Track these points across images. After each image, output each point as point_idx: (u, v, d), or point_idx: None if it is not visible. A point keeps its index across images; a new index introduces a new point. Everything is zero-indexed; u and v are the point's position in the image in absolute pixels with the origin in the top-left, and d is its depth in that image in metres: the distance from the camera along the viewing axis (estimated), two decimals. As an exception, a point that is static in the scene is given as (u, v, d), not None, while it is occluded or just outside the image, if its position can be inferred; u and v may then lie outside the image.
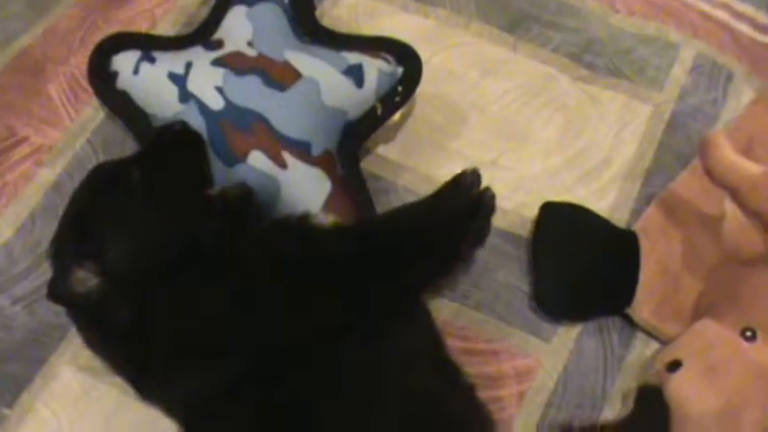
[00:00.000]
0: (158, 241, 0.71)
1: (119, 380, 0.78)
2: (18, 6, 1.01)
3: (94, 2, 1.01)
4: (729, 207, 0.80)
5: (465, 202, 0.77)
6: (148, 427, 0.79)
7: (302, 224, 0.77)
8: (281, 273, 0.71)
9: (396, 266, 0.74)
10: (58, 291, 0.69)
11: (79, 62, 0.96)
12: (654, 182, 0.93)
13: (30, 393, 0.81)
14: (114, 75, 0.89)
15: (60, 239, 0.73)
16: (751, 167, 0.76)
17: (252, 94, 0.84)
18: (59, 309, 0.82)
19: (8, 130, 0.93)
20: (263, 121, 0.83)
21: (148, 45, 0.90)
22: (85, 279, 0.68)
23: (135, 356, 0.71)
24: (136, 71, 0.87)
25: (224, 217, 0.75)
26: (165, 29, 0.99)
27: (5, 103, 0.95)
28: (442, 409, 0.70)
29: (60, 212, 0.79)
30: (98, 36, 0.94)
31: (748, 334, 0.76)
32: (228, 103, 0.84)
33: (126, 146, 0.91)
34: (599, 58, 0.99)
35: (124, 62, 0.88)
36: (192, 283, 0.70)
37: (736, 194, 0.77)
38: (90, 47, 0.91)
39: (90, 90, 0.92)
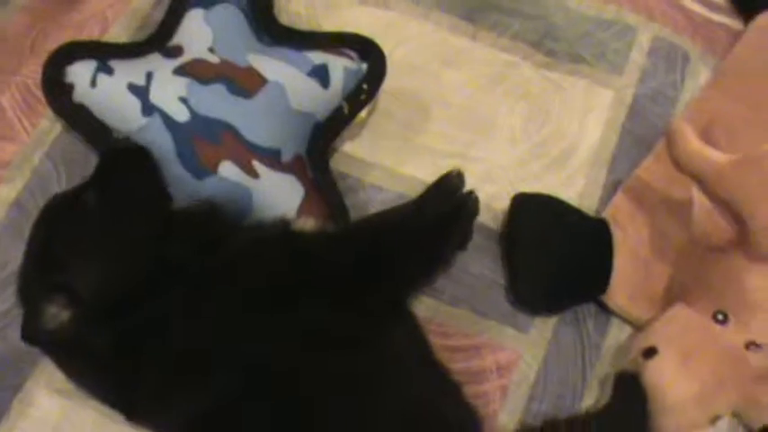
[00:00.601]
0: (124, 262, 0.70)
1: (98, 403, 0.77)
2: (-40, 12, 0.97)
3: (42, 6, 0.98)
4: (696, 195, 0.82)
5: (449, 205, 0.77)
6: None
7: (286, 230, 0.77)
8: (266, 281, 0.71)
9: (382, 270, 0.74)
10: (32, 331, 0.68)
11: (31, 71, 0.92)
12: (619, 167, 0.94)
13: (8, 422, 0.80)
14: (70, 87, 0.85)
15: (25, 278, 0.72)
16: (716, 156, 0.77)
17: (218, 103, 0.83)
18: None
19: (-40, 146, 0.90)
20: (231, 130, 0.82)
21: (104, 53, 0.88)
22: (58, 314, 0.67)
23: (121, 382, 0.70)
24: (93, 83, 0.84)
25: (191, 232, 0.74)
26: (118, 32, 0.95)
27: (-44, 119, 0.92)
28: (435, 413, 0.71)
29: (24, 231, 0.77)
30: (49, 42, 0.91)
31: (720, 317, 0.78)
32: (194, 114, 0.82)
33: (89, 159, 0.88)
34: (559, 44, 1.00)
35: (80, 73, 0.85)
36: (170, 299, 0.69)
37: (703, 183, 0.78)
38: (41, 54, 0.88)
39: (45, 101, 0.89)
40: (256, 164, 0.82)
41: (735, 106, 0.95)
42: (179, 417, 0.70)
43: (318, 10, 1.00)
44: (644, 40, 1.01)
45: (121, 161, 0.77)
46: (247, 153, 0.82)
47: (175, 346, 0.69)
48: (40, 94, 0.89)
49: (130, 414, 0.72)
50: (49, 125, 0.91)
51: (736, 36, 1.02)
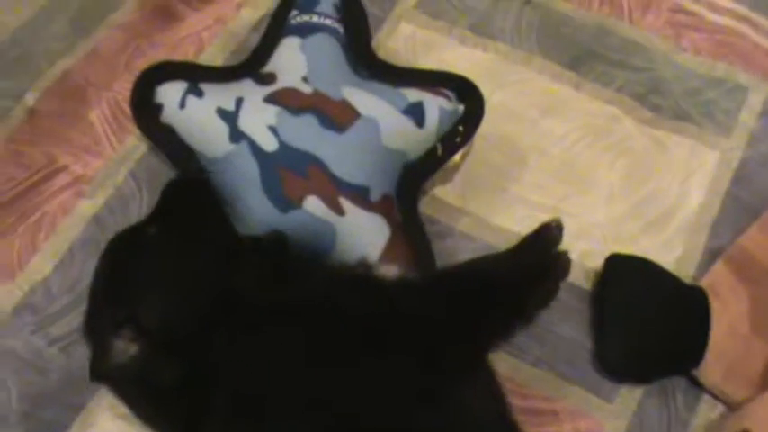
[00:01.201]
0: (188, 294, 0.69)
1: None
2: (60, 26, 0.98)
3: (139, 24, 0.98)
4: None
5: (545, 257, 0.74)
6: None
7: (367, 274, 0.74)
8: (340, 326, 0.68)
9: (463, 322, 0.71)
10: (101, 367, 0.67)
11: (123, 88, 0.92)
12: (721, 234, 0.89)
13: (67, 441, 0.78)
14: (159, 107, 0.85)
15: (92, 315, 0.71)
16: None
17: (308, 135, 0.81)
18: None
19: (47, 157, 0.90)
20: (319, 164, 0.80)
21: (195, 75, 0.87)
22: (126, 348, 0.66)
23: (186, 418, 0.68)
24: (182, 105, 0.84)
25: (259, 264, 0.72)
26: (213, 55, 0.96)
27: (45, 130, 0.92)
28: None
29: (101, 247, 0.77)
30: (143, 61, 0.92)
31: (830, 401, 0.73)
32: (283, 144, 0.80)
33: (172, 176, 0.87)
34: (665, 100, 0.96)
35: (170, 94, 0.85)
36: (234, 335, 0.67)
37: None
38: (134, 72, 0.88)
39: (134, 118, 0.89)
40: (343, 200, 0.79)
41: None
42: None
43: (418, 48, 0.98)
44: (756, 101, 0.97)
45: (182, 194, 0.76)
46: (334, 189, 0.80)
47: (235, 387, 0.67)
48: (129, 111, 0.89)
49: None
50: (136, 143, 0.91)
51: None
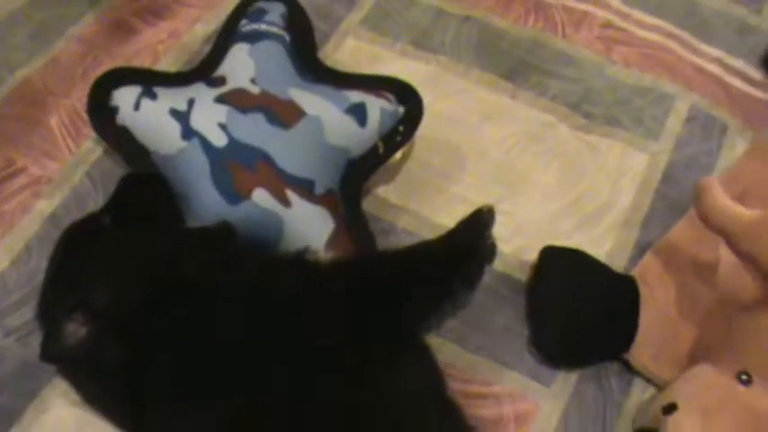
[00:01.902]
0: (137, 279, 0.71)
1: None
2: (21, 38, 1.01)
3: (97, 37, 1.02)
4: (724, 252, 0.81)
5: (473, 239, 0.77)
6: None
7: (298, 257, 0.77)
8: (273, 305, 0.71)
9: (389, 299, 0.74)
10: (51, 350, 0.69)
11: (81, 96, 0.95)
12: (651, 230, 0.94)
13: (20, 427, 0.79)
14: (114, 110, 0.88)
15: (44, 300, 0.73)
16: (744, 212, 0.76)
17: (256, 131, 0.85)
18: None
19: (6, 160, 0.93)
20: (267, 158, 0.84)
21: (149, 80, 0.91)
22: (76, 331, 0.68)
23: (130, 399, 0.70)
24: (137, 107, 0.87)
25: (205, 252, 0.75)
26: (167, 66, 1.00)
27: (5, 134, 0.95)
28: None
29: None
30: (99, 70, 0.94)
31: (744, 377, 0.76)
32: (232, 140, 0.84)
33: (126, 179, 0.91)
34: (596, 108, 1.01)
35: (125, 97, 0.88)
36: (180, 318, 0.70)
37: (729, 239, 0.78)
38: (91, 81, 0.91)
39: (91, 123, 0.92)
40: (289, 193, 0.83)
41: (770, 178, 0.95)
42: None
43: (362, 60, 1.03)
44: (682, 108, 1.02)
45: (136, 187, 0.80)
46: (281, 182, 0.83)
47: (180, 368, 0.69)
48: (86, 117, 0.92)
49: None
50: (92, 146, 0.94)
51: (772, 110, 1.03)
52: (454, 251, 0.78)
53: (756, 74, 1.07)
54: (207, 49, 0.98)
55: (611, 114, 1.01)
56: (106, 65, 0.97)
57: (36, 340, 0.81)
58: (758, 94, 1.05)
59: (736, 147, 1.00)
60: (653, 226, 0.94)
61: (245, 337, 0.69)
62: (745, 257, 0.77)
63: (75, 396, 0.79)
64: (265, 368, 0.68)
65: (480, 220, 0.78)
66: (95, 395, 0.74)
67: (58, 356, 0.70)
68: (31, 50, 1.01)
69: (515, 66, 1.04)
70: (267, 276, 0.74)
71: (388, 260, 0.80)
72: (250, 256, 0.77)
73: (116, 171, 0.91)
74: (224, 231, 0.79)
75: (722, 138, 1.01)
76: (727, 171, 0.98)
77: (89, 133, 0.94)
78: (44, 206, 0.90)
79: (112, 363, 0.69)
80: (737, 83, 1.06)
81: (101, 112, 0.89)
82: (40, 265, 0.86)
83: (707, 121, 1.02)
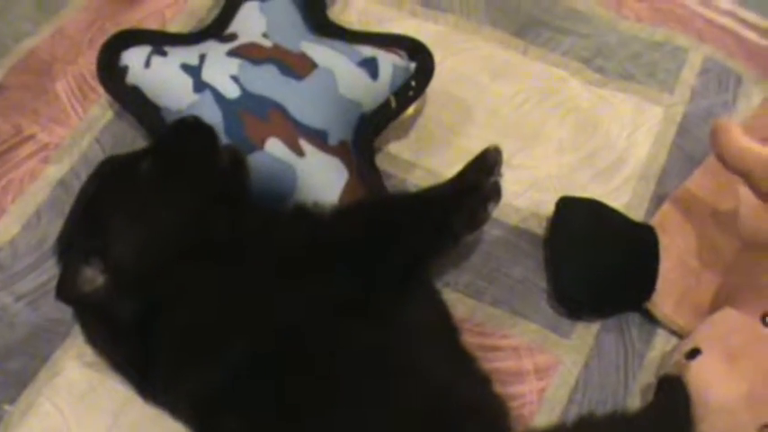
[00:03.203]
0: (163, 236, 0.70)
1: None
2: (26, 8, 1.01)
3: (103, 4, 1.02)
4: (743, 192, 0.81)
5: (482, 178, 0.76)
6: (158, 424, 0.76)
7: (300, 208, 0.77)
8: (287, 256, 0.71)
9: (389, 240, 0.74)
10: (66, 291, 0.68)
11: (88, 62, 0.95)
12: (667, 182, 0.92)
13: (33, 389, 0.79)
14: (124, 69, 0.88)
15: (67, 237, 0.72)
16: (763, 149, 0.76)
17: (268, 82, 0.84)
18: (63, 305, 0.81)
19: (14, 128, 0.93)
20: (280, 108, 0.83)
21: (158, 41, 0.90)
22: (93, 278, 0.68)
23: (139, 354, 0.70)
24: (147, 64, 0.86)
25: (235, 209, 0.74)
26: (175, 31, 0.98)
27: (12, 103, 0.94)
28: (451, 395, 0.68)
29: (67, 209, 0.79)
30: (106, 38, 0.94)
31: (768, 319, 0.75)
32: (245, 91, 0.83)
33: (136, 144, 0.90)
34: (609, 62, 1.00)
35: (134, 56, 0.87)
36: (197, 274, 0.69)
37: (749, 178, 0.77)
38: (98, 48, 0.90)
39: (98, 89, 0.92)
40: (303, 142, 0.82)
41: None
42: (188, 395, 0.69)
43: (371, 21, 1.02)
44: (695, 61, 1.01)
45: (184, 133, 0.77)
46: (294, 131, 0.82)
47: (193, 322, 0.69)
48: (94, 83, 0.93)
49: (143, 389, 0.72)
50: (100, 112, 0.94)
51: (790, 64, 1.02)
52: (457, 189, 0.77)
53: (769, 25, 1.06)
54: (213, 13, 0.97)
55: (624, 69, 1.00)
56: (112, 32, 0.96)
57: (47, 304, 0.82)
58: (774, 45, 1.04)
59: (752, 98, 0.99)
60: (669, 178, 0.93)
61: (244, 289, 0.69)
62: (765, 196, 0.76)
63: (87, 358, 0.80)
64: (277, 321, 0.68)
65: (487, 158, 0.78)
66: (101, 342, 0.73)
67: (72, 299, 0.70)
68: (36, 20, 1.00)
69: (526, 22, 1.03)
70: (268, 228, 0.74)
71: (391, 202, 0.80)
72: (264, 213, 0.76)
73: (126, 135, 0.92)
74: (234, 156, 0.77)
75: (737, 89, 0.99)
76: (745, 122, 0.96)
77: (96, 99, 0.94)
78: (53, 172, 0.90)
79: (124, 317, 0.69)
80: (751, 35, 1.04)
81: (110, 72, 0.88)
82: (49, 230, 0.86)
83: (721, 72, 1.00)
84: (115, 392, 0.79)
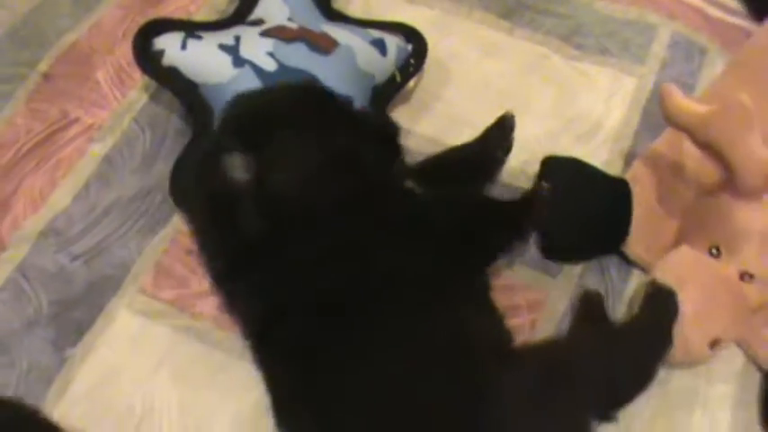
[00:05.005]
0: (323, 172, 0.75)
1: (172, 321, 0.90)
2: (64, 5, 1.13)
3: (134, 2, 1.14)
4: (687, 146, 0.93)
5: (506, 143, 0.89)
6: (201, 363, 0.88)
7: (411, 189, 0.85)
8: (395, 222, 0.79)
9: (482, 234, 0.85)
10: (211, 180, 0.73)
11: (123, 52, 1.07)
12: (639, 142, 1.04)
13: (91, 335, 0.90)
14: (159, 53, 0.97)
15: (232, 126, 0.77)
16: (698, 107, 0.87)
17: (300, 57, 0.96)
18: (115, 261, 0.94)
19: (61, 112, 1.04)
20: (313, 78, 0.94)
21: (189, 28, 1.01)
22: (240, 168, 0.72)
23: (240, 244, 0.75)
24: (183, 47, 0.97)
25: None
26: (200, 22, 1.11)
27: (58, 90, 1.06)
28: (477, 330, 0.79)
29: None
30: None
31: (714, 251, 0.87)
32: (281, 64, 0.95)
33: (170, 122, 1.03)
34: (587, 39, 1.12)
35: (170, 41, 0.98)
36: (327, 218, 0.75)
37: (689, 132, 0.89)
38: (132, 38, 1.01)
39: (134, 75, 1.04)
40: (332, 108, 0.94)
41: (747, 90, 1.04)
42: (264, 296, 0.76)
43: (372, 9, 1.14)
44: (664, 36, 1.13)
45: (380, 127, 0.87)
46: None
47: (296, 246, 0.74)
48: (130, 70, 1.04)
49: (225, 274, 0.78)
50: (137, 96, 1.05)
51: (749, 35, 1.13)
52: (527, 200, 0.88)
53: (733, 3, 1.18)
54: (233, 6, 1.09)
55: (601, 45, 1.12)
56: None
57: (99, 263, 0.94)
58: (735, 20, 1.16)
59: (715, 67, 1.10)
60: (641, 139, 1.05)
61: (364, 243, 0.76)
62: (703, 147, 0.88)
63: (136, 307, 0.91)
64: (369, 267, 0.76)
65: (506, 121, 0.91)
66: (210, 227, 0.78)
67: (210, 175, 0.74)
68: (76, 17, 1.12)
69: (512, 6, 1.15)
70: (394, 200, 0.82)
71: (484, 202, 0.90)
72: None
73: (161, 115, 1.03)
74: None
75: (702, 59, 1.11)
76: (709, 88, 1.08)
77: (133, 84, 1.05)
78: (97, 149, 1.01)
79: (251, 231, 0.73)
80: (716, 12, 1.16)
81: (146, 55, 0.98)
82: (97, 199, 0.98)
83: (688, 45, 1.12)
84: (160, 336, 0.90)
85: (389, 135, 0.84)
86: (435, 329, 0.75)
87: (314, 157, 0.75)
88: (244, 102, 0.79)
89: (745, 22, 1.16)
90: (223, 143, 0.74)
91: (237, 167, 0.71)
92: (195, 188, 0.78)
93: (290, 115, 0.76)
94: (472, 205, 0.87)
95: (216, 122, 0.80)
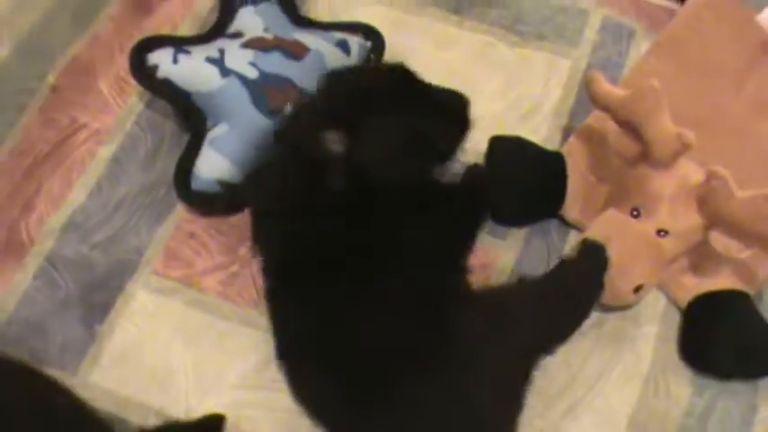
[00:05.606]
0: (410, 150, 0.89)
1: (182, 297, 1.05)
2: (64, 21, 1.24)
3: (126, 15, 1.27)
4: (610, 124, 1.08)
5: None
6: (209, 330, 1.05)
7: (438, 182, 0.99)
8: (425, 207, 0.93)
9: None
10: (310, 138, 0.85)
11: (122, 64, 1.19)
12: (576, 119, 1.19)
13: (114, 313, 1.06)
14: (154, 68, 1.11)
15: (331, 104, 0.90)
16: (617, 92, 1.03)
17: (278, 64, 1.11)
18: (129, 248, 1.09)
19: (70, 119, 1.18)
20: (290, 82, 1.10)
21: (177, 43, 1.15)
22: (335, 141, 0.83)
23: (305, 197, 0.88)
24: (175, 61, 1.10)
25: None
26: (186, 32, 1.24)
27: (66, 99, 1.19)
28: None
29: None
30: (133, 42, 1.16)
31: (635, 213, 1.03)
32: (262, 72, 1.10)
33: (167, 124, 1.17)
34: (526, 27, 1.27)
35: (162, 56, 1.11)
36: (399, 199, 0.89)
37: (610, 112, 1.05)
38: (127, 51, 1.14)
39: (132, 83, 1.16)
40: (308, 105, 1.10)
41: (667, 67, 1.20)
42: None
43: (337, 9, 1.28)
44: (595, 21, 1.27)
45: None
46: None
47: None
48: (128, 78, 1.16)
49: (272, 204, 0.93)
50: (136, 101, 1.19)
51: (673, 15, 1.27)
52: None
53: (659, -14, 1.32)
54: (213, 15, 1.22)
55: (539, 31, 1.26)
56: (137, 37, 1.17)
57: (116, 250, 1.08)
58: (661, 2, 1.30)
59: (641, 47, 1.25)
60: (577, 115, 1.19)
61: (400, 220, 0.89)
62: (623, 125, 1.04)
63: (152, 285, 1.06)
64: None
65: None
66: (269, 184, 0.94)
67: (306, 136, 0.87)
68: (75, 31, 1.24)
69: (461, 1, 1.29)
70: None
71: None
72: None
73: (158, 118, 1.17)
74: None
75: (630, 41, 1.26)
76: (634, 67, 1.23)
77: (132, 91, 1.19)
78: (105, 151, 1.16)
79: (329, 187, 0.86)
80: (642, -6, 1.31)
81: (142, 70, 1.12)
82: (109, 195, 1.12)
83: (617, 28, 1.27)
84: (173, 310, 1.06)
85: (461, 111, 0.98)
86: (419, 284, 0.89)
87: (399, 139, 0.88)
88: (339, 81, 0.92)
89: (670, 3, 1.29)
90: (321, 120, 0.85)
91: (334, 142, 0.83)
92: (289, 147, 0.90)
93: (381, 97, 0.89)
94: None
95: (315, 95, 0.95)
